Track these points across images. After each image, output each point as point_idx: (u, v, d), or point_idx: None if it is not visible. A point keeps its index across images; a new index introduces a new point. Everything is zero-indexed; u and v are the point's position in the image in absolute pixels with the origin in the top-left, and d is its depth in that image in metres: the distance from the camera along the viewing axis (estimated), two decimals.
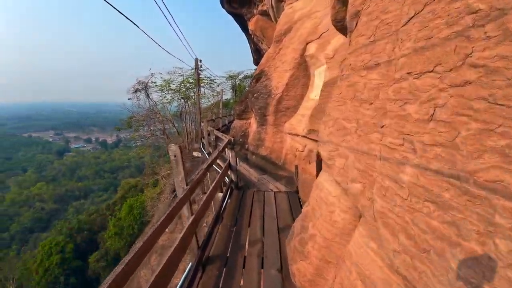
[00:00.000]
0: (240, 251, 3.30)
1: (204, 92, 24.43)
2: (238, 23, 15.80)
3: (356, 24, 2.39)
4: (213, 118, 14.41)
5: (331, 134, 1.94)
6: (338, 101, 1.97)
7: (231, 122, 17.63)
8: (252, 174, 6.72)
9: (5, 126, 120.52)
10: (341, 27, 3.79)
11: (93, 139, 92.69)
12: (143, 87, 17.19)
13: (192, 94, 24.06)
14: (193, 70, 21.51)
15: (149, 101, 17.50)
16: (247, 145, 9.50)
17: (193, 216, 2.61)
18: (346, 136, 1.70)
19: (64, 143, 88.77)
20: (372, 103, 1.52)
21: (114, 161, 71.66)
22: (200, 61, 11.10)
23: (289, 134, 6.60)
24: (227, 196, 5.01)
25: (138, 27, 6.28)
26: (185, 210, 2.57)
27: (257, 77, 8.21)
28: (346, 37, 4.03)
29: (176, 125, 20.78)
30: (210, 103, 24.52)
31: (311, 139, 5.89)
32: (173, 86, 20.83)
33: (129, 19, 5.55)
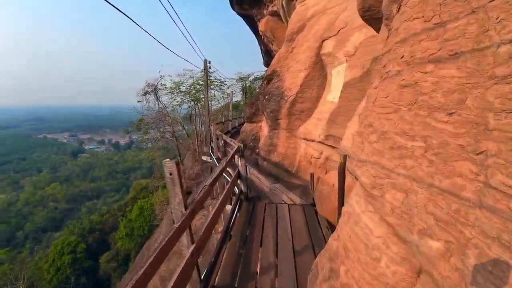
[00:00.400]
0: (250, 280, 2.82)
1: (214, 94, 24.25)
2: (248, 25, 15.55)
3: (399, 7, 1.88)
4: (223, 120, 14.02)
5: (376, 153, 1.43)
6: (385, 107, 1.45)
7: (241, 124, 17.24)
8: (263, 182, 6.23)
9: (21, 128, 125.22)
10: (370, 17, 3.26)
11: (106, 141, 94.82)
12: (153, 90, 17.07)
13: (202, 96, 23.91)
14: (203, 72, 21.38)
15: (158, 104, 17.38)
16: (258, 150, 9.03)
17: (193, 246, 2.14)
18: (405, 159, 1.18)
19: (78, 145, 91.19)
20: (453, 112, 1.00)
21: (126, 162, 72.81)
22: (209, 62, 10.74)
23: (303, 139, 6.08)
24: (236, 209, 4.54)
25: (145, 30, 5.93)
26: (184, 239, 2.11)
27: (268, 78, 7.74)
28: (374, 29, 3.50)
29: (186, 127, 20.69)
30: (220, 105, 24.30)
31: (328, 145, 5.35)
32: (183, 88, 20.74)
33: (135, 22, 5.21)
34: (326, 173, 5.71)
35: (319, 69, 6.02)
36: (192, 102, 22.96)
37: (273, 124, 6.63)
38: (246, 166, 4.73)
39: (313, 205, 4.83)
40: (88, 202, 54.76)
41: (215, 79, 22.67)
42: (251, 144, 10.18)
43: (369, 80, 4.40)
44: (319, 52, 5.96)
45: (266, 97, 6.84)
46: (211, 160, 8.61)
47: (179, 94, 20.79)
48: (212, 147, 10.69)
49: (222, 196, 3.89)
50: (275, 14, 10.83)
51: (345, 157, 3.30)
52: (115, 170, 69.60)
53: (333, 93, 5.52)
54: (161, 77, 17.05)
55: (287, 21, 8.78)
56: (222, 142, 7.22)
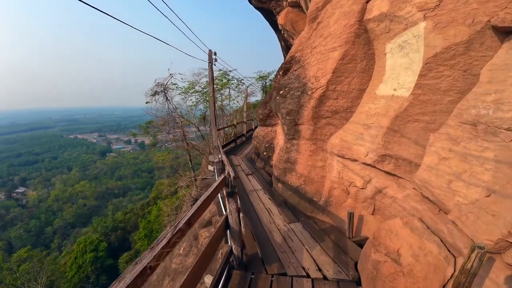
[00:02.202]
0: None
1: (230, 93, 22.61)
2: (267, 20, 14.04)
3: None
4: (235, 123, 12.11)
5: None
6: None
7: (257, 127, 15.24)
8: (274, 219, 4.15)
9: (54, 128, 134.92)
10: None
11: (133, 141, 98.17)
12: (162, 90, 15.68)
13: (219, 95, 22.40)
14: (221, 71, 19.82)
15: (168, 105, 15.95)
16: (272, 162, 6.98)
17: None
18: None
19: (106, 144, 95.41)
20: None
21: (150, 162, 74.57)
22: (215, 53, 8.88)
23: (337, 155, 3.89)
24: None
25: (149, 35, 4.25)
26: None
27: (285, 68, 5.61)
28: None
29: (201, 128, 19.46)
30: (239, 106, 22.70)
31: (384, 171, 3.13)
32: (198, 88, 19.49)
33: (136, 29, 3.48)
34: (373, 212, 3.48)
35: (362, 45, 3.77)
36: (207, 103, 21.60)
37: (291, 131, 4.51)
38: (239, 212, 2.69)
39: (358, 282, 2.68)
40: (115, 199, 56.41)
41: (233, 77, 21.10)
42: (264, 153, 8.10)
43: (491, 46, 2.09)
44: (363, 18, 3.73)
45: (281, 92, 4.72)
46: (211, 176, 6.65)
47: (194, 94, 19.51)
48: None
49: (192, 266, 1.93)
50: (295, 5, 9.32)
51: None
52: (141, 169, 71.40)
53: (390, 83, 3.27)
54: (171, 75, 15.59)
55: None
56: (219, 157, 5.24)
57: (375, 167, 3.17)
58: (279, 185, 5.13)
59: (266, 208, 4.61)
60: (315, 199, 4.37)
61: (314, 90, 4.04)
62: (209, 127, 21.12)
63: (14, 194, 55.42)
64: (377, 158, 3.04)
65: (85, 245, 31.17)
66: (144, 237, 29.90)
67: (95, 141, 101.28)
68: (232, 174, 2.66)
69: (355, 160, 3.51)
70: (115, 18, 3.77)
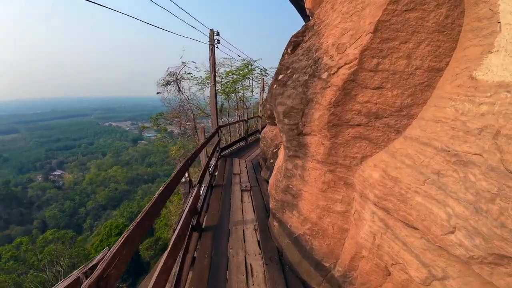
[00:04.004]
0: None
1: (252, 85, 20.92)
2: (293, 4, 11.91)
3: None
4: (246, 118, 10.36)
5: None
6: None
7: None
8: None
9: (91, 116, 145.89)
10: None
11: (168, 128, 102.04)
12: (174, 79, 14.47)
13: (240, 86, 20.86)
14: (244, 61, 18.16)
15: (180, 95, 14.74)
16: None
17: None
18: None
19: (138, 132, 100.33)
20: None
21: (178, 150, 76.99)
22: (218, 34, 7.12)
23: (375, 205, 1.96)
24: None
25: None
26: None
27: (295, 42, 3.64)
28: None
29: (221, 121, 18.29)
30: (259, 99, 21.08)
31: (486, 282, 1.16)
32: (218, 79, 18.23)
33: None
34: None
35: None
36: (226, 94, 20.29)
37: (292, 144, 2.63)
38: None
39: None
40: (144, 185, 58.94)
41: (256, 68, 19.40)
42: (271, 161, 6.26)
43: None
44: None
45: (280, 77, 2.84)
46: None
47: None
48: (219, 150, 7.21)
49: None
50: None
51: None
52: (169, 157, 73.89)
53: None
54: (183, 64, 14.25)
55: None
56: (186, 177, 3.53)
57: (466, 263, 1.23)
58: (275, 223, 3.32)
59: (245, 266, 2.84)
60: (326, 265, 2.50)
61: (333, 71, 2.09)
62: (227, 119, 19.79)
63: (51, 176, 60.53)
64: (485, 255, 1.11)
65: (111, 228, 32.40)
66: (165, 225, 30.14)
67: (127, 129, 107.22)
68: None
69: (414, 228, 1.57)
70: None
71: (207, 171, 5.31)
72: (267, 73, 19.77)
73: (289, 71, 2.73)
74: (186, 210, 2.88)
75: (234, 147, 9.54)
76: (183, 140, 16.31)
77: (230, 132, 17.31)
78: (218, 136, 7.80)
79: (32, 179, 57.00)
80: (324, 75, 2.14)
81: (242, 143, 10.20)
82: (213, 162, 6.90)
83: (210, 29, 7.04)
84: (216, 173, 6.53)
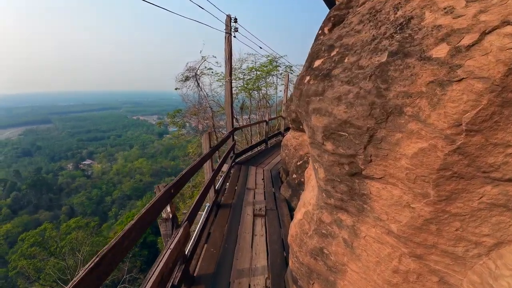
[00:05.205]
0: None
1: (274, 82, 19.64)
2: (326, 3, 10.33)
3: None
4: (266, 119, 9.16)
5: None
6: None
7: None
8: None
9: (120, 110, 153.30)
10: None
11: (187, 124, 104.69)
12: (193, 75, 13.68)
13: (263, 83, 19.75)
14: (269, 57, 16.99)
15: (199, 92, 13.95)
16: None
17: None
18: None
19: (164, 126, 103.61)
20: None
21: (195, 148, 78.61)
22: (235, 20, 5.97)
23: None
24: None
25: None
26: None
27: (336, 17, 2.37)
28: None
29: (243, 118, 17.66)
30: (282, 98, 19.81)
31: None
32: (240, 75, 17.41)
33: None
34: None
35: None
36: (248, 91, 19.31)
37: (338, 188, 1.44)
38: None
39: None
40: (167, 178, 60.43)
41: (281, 64, 18.11)
42: (294, 176, 5.00)
43: None
44: None
45: (318, 63, 1.64)
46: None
47: (236, 81, 17.52)
48: (233, 155, 6.07)
49: None
50: None
51: None
52: (186, 155, 75.51)
53: None
54: (203, 58, 13.37)
55: None
56: (168, 211, 2.47)
57: None
58: None
59: None
60: None
61: (468, 40, 0.84)
62: (249, 118, 18.76)
63: (81, 165, 64.14)
64: None
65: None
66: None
67: (154, 123, 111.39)
68: None
69: None
70: None
71: (212, 188, 4.22)
72: (292, 70, 18.36)
73: (334, 52, 1.50)
74: (158, 270, 1.80)
75: (253, 151, 8.41)
76: (201, 138, 15.55)
77: (251, 131, 16.26)
78: (233, 140, 6.72)
79: (63, 167, 60.91)
80: (440, 53, 0.88)
81: (262, 147, 9.05)
82: (225, 169, 5.84)
83: (227, 15, 5.94)
84: (226, 185, 5.46)
